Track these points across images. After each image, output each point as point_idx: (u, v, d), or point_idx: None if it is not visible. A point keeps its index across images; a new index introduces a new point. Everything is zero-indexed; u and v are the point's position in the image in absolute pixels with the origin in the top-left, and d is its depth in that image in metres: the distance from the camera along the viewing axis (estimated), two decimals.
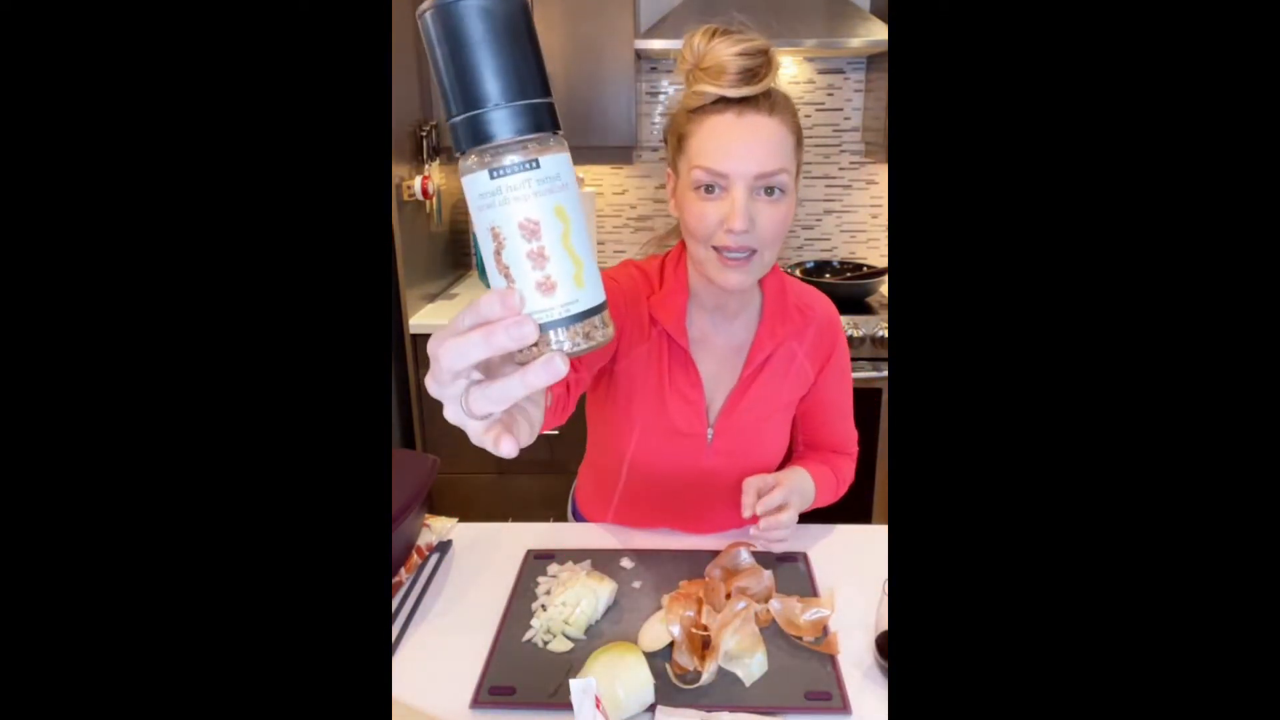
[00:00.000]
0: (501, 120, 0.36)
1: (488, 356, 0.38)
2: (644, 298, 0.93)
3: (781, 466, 1.04)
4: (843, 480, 1.08)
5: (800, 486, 0.95)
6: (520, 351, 0.38)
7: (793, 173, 0.82)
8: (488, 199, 0.37)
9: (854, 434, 1.10)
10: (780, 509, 0.88)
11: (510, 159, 0.36)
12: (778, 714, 0.72)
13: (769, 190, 0.80)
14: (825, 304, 1.02)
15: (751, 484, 0.89)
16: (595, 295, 0.39)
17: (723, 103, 0.79)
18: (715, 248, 0.82)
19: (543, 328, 0.38)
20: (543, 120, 0.37)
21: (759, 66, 0.78)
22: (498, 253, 0.37)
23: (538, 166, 0.36)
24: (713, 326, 0.96)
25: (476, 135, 0.36)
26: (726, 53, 0.77)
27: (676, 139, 0.85)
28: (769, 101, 0.79)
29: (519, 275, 0.37)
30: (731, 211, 0.78)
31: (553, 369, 0.37)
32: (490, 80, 0.36)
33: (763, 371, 0.96)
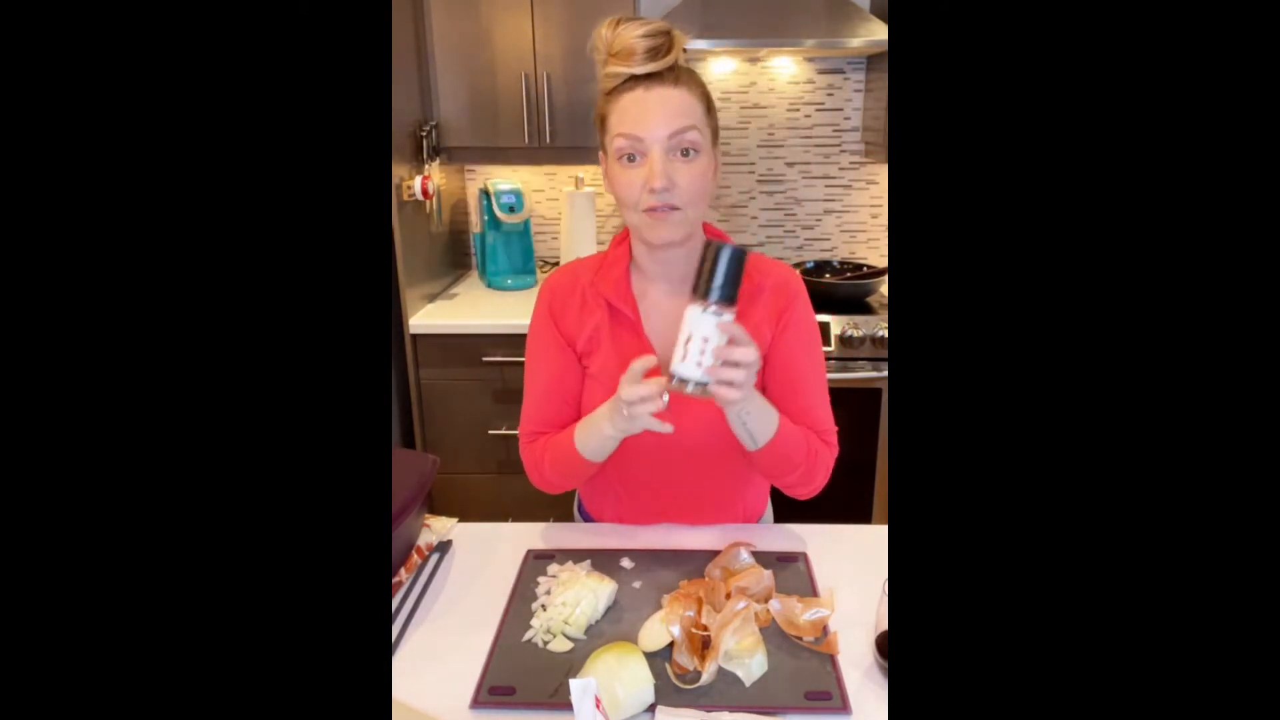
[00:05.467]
0: (717, 295, 0.80)
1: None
2: (581, 289, 0.99)
3: None
4: (815, 456, 0.98)
5: (762, 400, 0.91)
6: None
7: (705, 134, 0.91)
8: (698, 321, 0.80)
9: (830, 422, 1.02)
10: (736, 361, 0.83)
11: (714, 309, 0.80)
12: (778, 714, 0.72)
13: (685, 152, 0.89)
14: (783, 269, 1.02)
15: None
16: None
17: (633, 80, 0.89)
18: (644, 211, 0.89)
19: (686, 379, 0.81)
20: (733, 301, 0.81)
21: (661, 45, 0.88)
22: (687, 341, 0.80)
23: (722, 316, 0.80)
24: (663, 294, 1.00)
25: (708, 297, 0.80)
26: (632, 35, 0.87)
27: (600, 121, 0.93)
28: (674, 75, 0.89)
29: (692, 352, 0.80)
30: (651, 172, 0.88)
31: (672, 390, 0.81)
32: (723, 281, 0.80)
33: None
